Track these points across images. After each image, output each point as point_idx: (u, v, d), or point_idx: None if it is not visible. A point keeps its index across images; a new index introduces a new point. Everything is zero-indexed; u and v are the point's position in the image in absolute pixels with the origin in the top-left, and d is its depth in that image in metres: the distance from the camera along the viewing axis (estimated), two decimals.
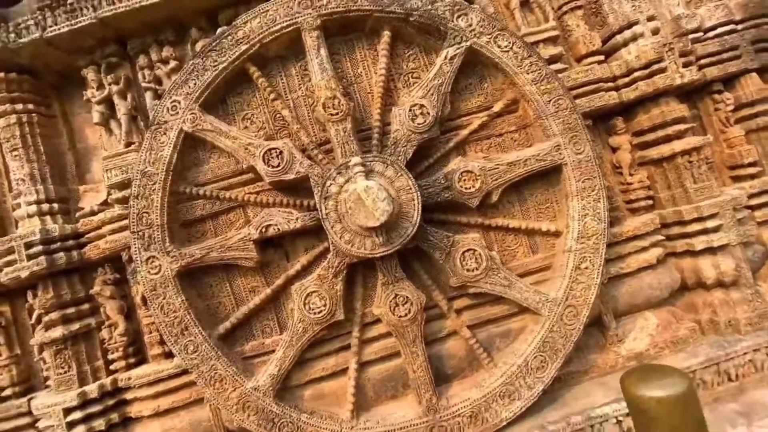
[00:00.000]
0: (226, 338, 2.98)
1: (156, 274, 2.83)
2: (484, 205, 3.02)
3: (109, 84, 3.37)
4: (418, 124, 2.88)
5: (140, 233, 2.84)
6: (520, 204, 3.17)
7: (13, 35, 3.23)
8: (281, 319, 3.06)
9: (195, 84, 2.89)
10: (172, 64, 3.31)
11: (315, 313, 2.83)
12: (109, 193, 3.30)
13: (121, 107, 3.34)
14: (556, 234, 3.09)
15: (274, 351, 2.94)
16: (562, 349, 2.89)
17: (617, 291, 3.26)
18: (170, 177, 2.88)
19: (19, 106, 3.36)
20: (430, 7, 2.92)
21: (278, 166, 2.83)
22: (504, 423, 2.82)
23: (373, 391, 3.02)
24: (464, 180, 2.94)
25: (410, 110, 2.89)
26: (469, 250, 2.88)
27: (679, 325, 3.28)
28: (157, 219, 2.84)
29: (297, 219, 2.87)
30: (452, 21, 2.94)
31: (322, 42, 2.91)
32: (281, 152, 2.83)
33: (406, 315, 2.81)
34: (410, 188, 2.74)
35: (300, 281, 2.87)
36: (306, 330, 2.84)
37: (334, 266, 2.81)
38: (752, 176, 3.66)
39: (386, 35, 3.02)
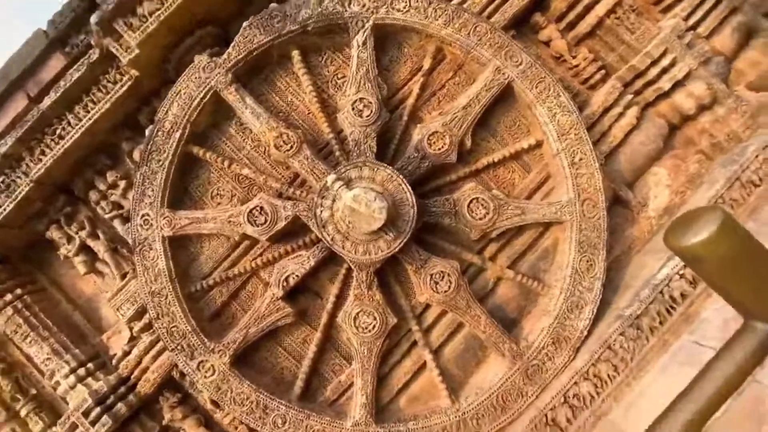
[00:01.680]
0: (305, 396, 2.99)
1: (212, 375, 2.85)
2: (463, 154, 3.05)
3: (76, 233, 3.34)
4: (367, 116, 2.90)
5: (179, 347, 2.85)
6: (494, 136, 3.20)
7: None
8: (343, 352, 3.08)
9: (153, 191, 2.89)
10: (122, 183, 3.28)
11: (370, 330, 2.85)
12: (131, 328, 3.29)
13: (99, 247, 3.32)
14: (539, 145, 3.13)
15: (353, 384, 2.97)
16: (600, 241, 2.94)
17: (618, 164, 3.30)
18: (177, 284, 2.88)
19: (9, 297, 3.32)
20: (320, 9, 2.93)
21: (266, 221, 2.84)
22: (585, 332, 2.87)
23: (457, 369, 3.06)
24: (434, 143, 2.96)
25: (353, 108, 2.90)
26: (472, 200, 2.91)
27: (687, 164, 3.34)
28: (186, 327, 2.85)
29: (309, 258, 2.88)
30: (346, 11, 2.95)
31: (243, 92, 2.91)
32: (262, 207, 2.84)
33: (449, 288, 2.84)
34: (392, 176, 2.77)
35: (341, 310, 2.90)
36: (371, 350, 2.87)
37: (364, 280, 2.83)
38: (677, 1, 3.69)
39: (295, 54, 3.02)
